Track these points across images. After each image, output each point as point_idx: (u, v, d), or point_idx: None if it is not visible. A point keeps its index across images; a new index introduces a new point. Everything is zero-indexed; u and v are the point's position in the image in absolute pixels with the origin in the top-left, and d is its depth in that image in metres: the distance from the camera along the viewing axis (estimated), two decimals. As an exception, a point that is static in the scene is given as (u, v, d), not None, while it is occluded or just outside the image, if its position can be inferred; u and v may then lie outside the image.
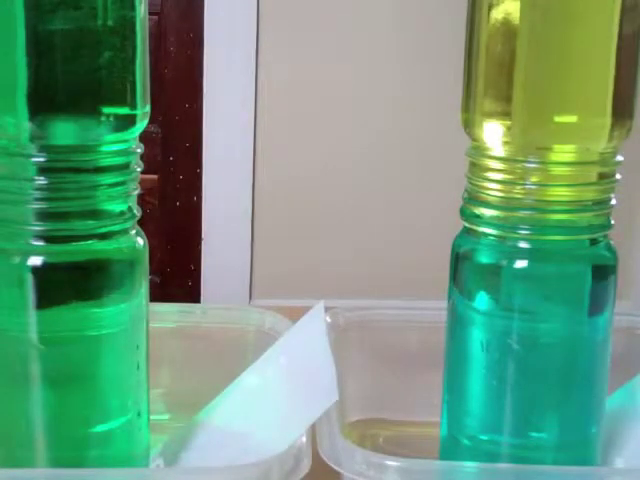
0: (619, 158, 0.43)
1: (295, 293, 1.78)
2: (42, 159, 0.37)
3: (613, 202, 0.43)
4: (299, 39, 1.78)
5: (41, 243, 0.38)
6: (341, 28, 1.78)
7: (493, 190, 0.43)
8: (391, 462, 0.38)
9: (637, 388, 0.49)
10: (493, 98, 0.42)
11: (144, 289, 0.41)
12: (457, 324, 0.45)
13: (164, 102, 1.81)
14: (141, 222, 0.41)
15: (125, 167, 0.39)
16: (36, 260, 0.38)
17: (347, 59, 1.79)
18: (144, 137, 0.40)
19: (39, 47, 0.36)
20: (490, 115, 0.42)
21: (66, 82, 0.37)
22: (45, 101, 0.37)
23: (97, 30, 0.37)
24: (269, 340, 0.49)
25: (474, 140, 0.43)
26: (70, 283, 0.39)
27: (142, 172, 0.41)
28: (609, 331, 0.44)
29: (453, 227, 0.46)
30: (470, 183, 0.44)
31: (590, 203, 0.42)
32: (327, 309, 0.46)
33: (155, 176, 1.85)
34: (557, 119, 0.41)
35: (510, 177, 0.42)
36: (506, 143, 0.42)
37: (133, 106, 0.38)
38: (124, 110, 0.38)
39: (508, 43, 0.41)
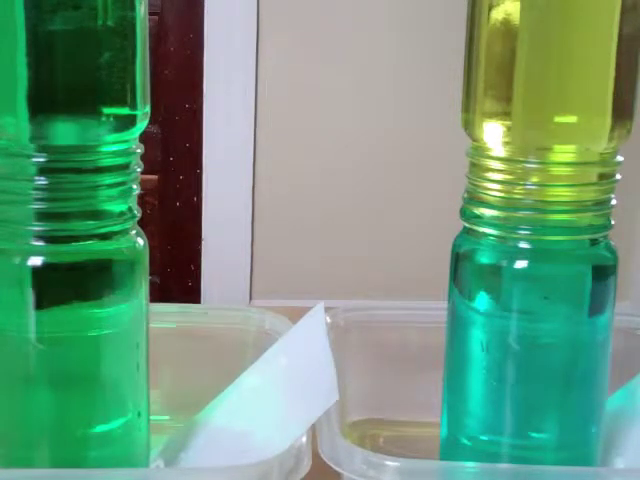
0: (619, 158, 0.43)
1: (295, 293, 1.78)
2: (42, 159, 0.37)
3: (613, 202, 0.43)
4: (299, 39, 1.78)
5: (41, 243, 0.38)
6: (341, 28, 1.78)
7: (493, 190, 0.43)
8: (391, 462, 0.38)
9: (637, 388, 0.49)
10: (493, 98, 0.42)
11: (144, 289, 0.41)
12: (457, 324, 0.45)
13: (164, 102, 1.81)
14: (141, 222, 0.41)
15: (125, 167, 0.39)
16: (36, 260, 0.38)
17: (347, 59, 1.79)
18: (144, 137, 0.40)
19: (39, 47, 0.36)
20: (490, 115, 0.42)
21: (66, 82, 0.37)
22: (45, 101, 0.37)
23: (97, 30, 0.37)
24: (269, 340, 0.49)
25: (474, 140, 0.43)
26: (70, 283, 0.39)
27: (142, 172, 0.41)
28: (609, 331, 0.44)
29: (453, 227, 0.46)
30: (470, 183, 0.44)
31: (590, 203, 0.42)
32: (327, 309, 0.46)
33: (155, 176, 1.85)
34: (557, 119, 0.41)
35: (510, 177, 0.42)
36: (506, 143, 0.42)
37: (133, 106, 0.38)
38: (124, 110, 0.38)
39: (508, 43, 0.41)
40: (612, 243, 0.44)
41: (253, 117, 1.80)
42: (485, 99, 0.42)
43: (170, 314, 0.54)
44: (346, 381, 0.47)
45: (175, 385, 0.53)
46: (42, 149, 0.37)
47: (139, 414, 0.41)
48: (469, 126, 0.43)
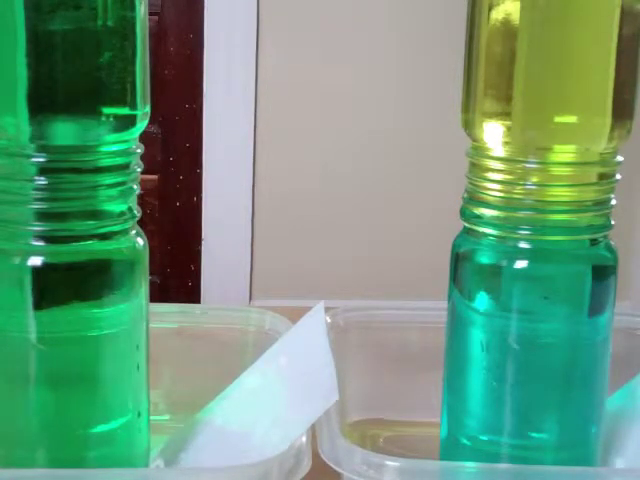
0: (619, 158, 0.43)
1: (295, 293, 1.78)
2: (42, 159, 0.37)
3: (613, 202, 0.43)
4: (299, 39, 1.78)
5: (41, 243, 0.38)
6: (341, 28, 1.78)
7: (493, 190, 0.43)
8: (391, 462, 0.38)
9: (637, 388, 0.49)
10: (493, 98, 0.42)
11: (144, 289, 0.41)
12: (457, 324, 0.45)
13: (164, 102, 1.81)
14: (141, 222, 0.41)
15: (125, 167, 0.39)
16: (36, 260, 0.38)
17: (347, 59, 1.79)
18: (144, 137, 0.40)
19: (39, 47, 0.36)
20: (490, 115, 0.42)
21: (66, 82, 0.37)
22: (45, 101, 0.37)
23: (97, 30, 0.37)
24: (269, 340, 0.49)
25: (474, 140, 0.43)
26: (70, 283, 0.39)
27: (142, 172, 0.41)
28: (609, 331, 0.44)
29: (453, 227, 0.46)
30: (470, 183, 0.44)
31: (590, 203, 0.42)
32: (327, 309, 0.46)
33: (155, 176, 1.85)
34: (557, 119, 0.41)
35: (510, 177, 0.42)
36: (506, 143, 0.42)
37: (133, 106, 0.38)
38: (124, 110, 0.38)
39: (508, 43, 0.41)
40: (612, 243, 0.44)
41: (253, 117, 1.80)
42: (485, 99, 0.42)
43: (170, 314, 0.54)
44: (346, 381, 0.47)
45: (175, 385, 0.53)
46: (42, 149, 0.37)
47: (139, 414, 0.41)
48: (469, 126, 0.43)
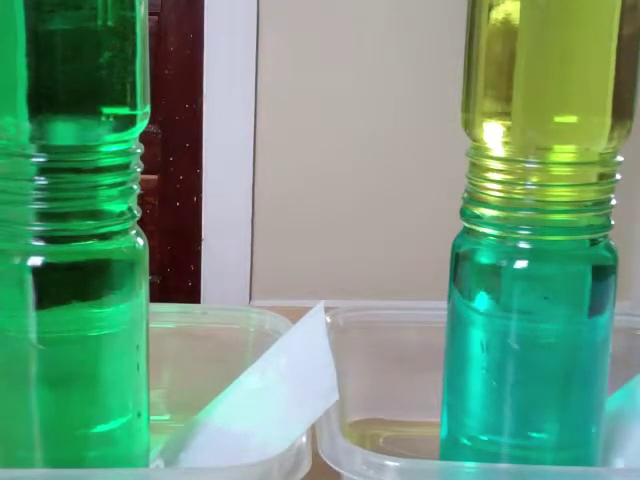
0: (619, 158, 0.43)
1: (295, 293, 1.78)
2: (42, 159, 0.37)
3: (613, 202, 0.43)
4: (299, 40, 1.78)
5: (41, 243, 0.38)
6: (341, 29, 1.78)
7: (493, 190, 0.43)
8: (391, 462, 0.38)
9: (637, 388, 0.49)
10: (493, 98, 0.42)
11: (144, 289, 0.41)
12: (457, 324, 0.45)
13: (164, 102, 1.81)
14: (141, 222, 0.41)
15: (125, 167, 0.39)
16: (36, 260, 0.38)
17: (347, 60, 1.79)
18: (144, 137, 0.40)
19: (39, 47, 0.36)
20: (490, 115, 0.42)
21: (66, 82, 0.37)
22: (45, 101, 0.37)
23: (97, 30, 0.37)
24: (269, 340, 0.49)
25: (474, 140, 0.43)
26: (70, 283, 0.39)
27: (142, 172, 0.41)
28: (609, 331, 0.44)
29: (453, 227, 0.46)
30: (470, 183, 0.44)
31: (590, 203, 0.42)
32: (327, 309, 0.46)
33: (155, 176, 1.85)
34: (557, 119, 0.41)
35: (510, 177, 0.42)
36: (506, 143, 0.42)
37: (133, 106, 0.38)
38: (124, 110, 0.38)
39: (508, 43, 0.41)
40: (612, 243, 0.44)
41: (253, 117, 1.80)
42: (485, 99, 0.42)
43: (170, 314, 0.54)
44: (346, 381, 0.47)
45: (175, 385, 0.53)
46: (42, 149, 0.37)
47: (139, 414, 0.41)
48: (469, 126, 0.43)
